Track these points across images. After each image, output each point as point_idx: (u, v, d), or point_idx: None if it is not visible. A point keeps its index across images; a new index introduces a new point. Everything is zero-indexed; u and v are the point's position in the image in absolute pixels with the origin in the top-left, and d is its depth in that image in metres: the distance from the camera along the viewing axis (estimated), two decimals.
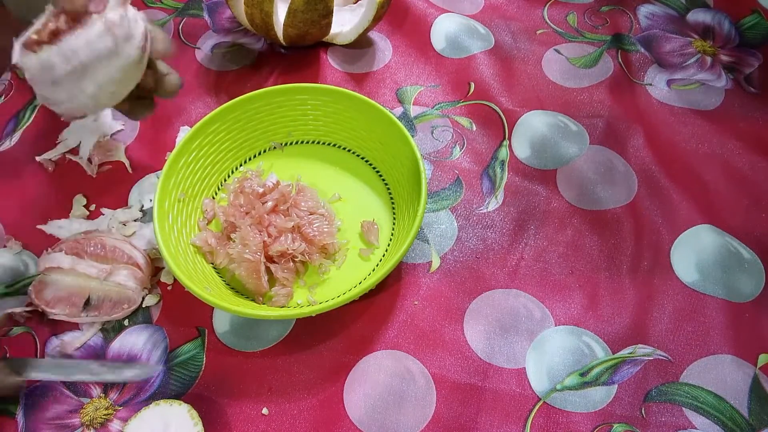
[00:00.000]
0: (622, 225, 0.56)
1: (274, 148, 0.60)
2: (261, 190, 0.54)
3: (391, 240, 0.54)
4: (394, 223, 0.55)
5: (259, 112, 0.58)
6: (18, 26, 0.43)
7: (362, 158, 0.60)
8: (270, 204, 0.53)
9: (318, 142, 0.61)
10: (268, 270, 0.51)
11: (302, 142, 0.61)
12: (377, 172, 0.59)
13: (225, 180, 0.59)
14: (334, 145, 0.61)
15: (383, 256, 0.53)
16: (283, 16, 0.62)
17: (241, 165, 0.60)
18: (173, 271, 0.46)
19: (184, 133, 0.61)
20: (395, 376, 0.48)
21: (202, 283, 0.48)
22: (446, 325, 0.50)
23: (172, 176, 0.52)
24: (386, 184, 0.58)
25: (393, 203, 0.56)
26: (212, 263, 0.53)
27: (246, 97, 0.56)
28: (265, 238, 0.51)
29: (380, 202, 0.57)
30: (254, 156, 0.60)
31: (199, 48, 0.71)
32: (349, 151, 0.60)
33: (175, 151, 0.53)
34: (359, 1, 0.73)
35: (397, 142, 0.54)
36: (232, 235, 0.52)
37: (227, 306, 0.44)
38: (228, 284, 0.52)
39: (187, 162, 0.54)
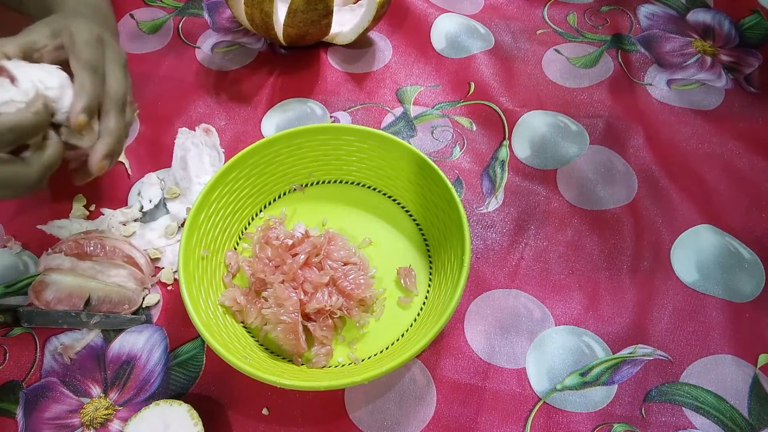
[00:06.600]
0: (622, 225, 0.56)
1: (295, 190, 0.58)
2: (290, 242, 0.51)
3: (429, 285, 0.52)
4: (430, 265, 0.53)
5: (279, 155, 0.55)
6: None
7: (388, 196, 0.57)
8: (302, 258, 0.49)
9: (340, 182, 0.58)
10: (305, 329, 0.48)
11: (324, 182, 0.58)
12: (405, 210, 0.56)
13: (245, 228, 0.55)
14: (358, 184, 0.58)
15: (423, 303, 0.51)
16: (283, 16, 0.62)
17: (260, 211, 0.56)
18: (211, 345, 0.42)
19: (182, 135, 0.61)
20: (395, 375, 0.48)
21: (238, 351, 0.44)
22: (446, 324, 0.50)
23: (194, 233, 0.49)
24: (416, 223, 0.55)
25: (426, 242, 0.54)
26: (242, 322, 0.50)
27: (265, 141, 0.53)
28: (301, 296, 0.48)
29: (412, 243, 0.54)
30: (274, 200, 0.57)
31: (199, 47, 0.71)
32: (373, 189, 0.57)
33: (195, 205, 0.49)
34: (359, 1, 0.73)
35: (428, 182, 0.52)
36: (264, 293, 0.49)
37: (275, 380, 0.41)
38: (261, 344, 0.49)
39: (208, 215, 0.51)
